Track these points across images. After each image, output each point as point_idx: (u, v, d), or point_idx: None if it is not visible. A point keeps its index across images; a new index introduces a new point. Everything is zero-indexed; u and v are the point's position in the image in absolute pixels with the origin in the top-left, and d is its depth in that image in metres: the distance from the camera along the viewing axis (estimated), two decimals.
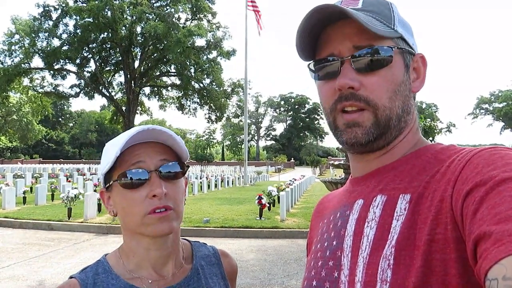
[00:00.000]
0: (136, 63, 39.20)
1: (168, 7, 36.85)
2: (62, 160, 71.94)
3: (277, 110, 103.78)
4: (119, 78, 42.49)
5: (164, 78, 42.84)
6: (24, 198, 14.28)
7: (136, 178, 0.89)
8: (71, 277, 0.94)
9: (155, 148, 0.92)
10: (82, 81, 39.11)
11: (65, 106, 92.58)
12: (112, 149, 0.91)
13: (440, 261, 0.58)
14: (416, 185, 0.68)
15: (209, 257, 1.08)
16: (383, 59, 0.72)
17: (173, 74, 40.80)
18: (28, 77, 36.22)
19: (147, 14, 35.09)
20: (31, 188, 17.49)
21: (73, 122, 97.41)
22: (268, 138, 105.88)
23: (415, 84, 0.78)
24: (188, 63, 37.70)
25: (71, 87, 40.11)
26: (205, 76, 39.06)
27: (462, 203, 0.58)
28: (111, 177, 0.93)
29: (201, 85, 39.96)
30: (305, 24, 0.74)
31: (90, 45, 36.84)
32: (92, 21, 33.72)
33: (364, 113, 0.72)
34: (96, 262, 0.98)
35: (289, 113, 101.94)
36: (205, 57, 38.07)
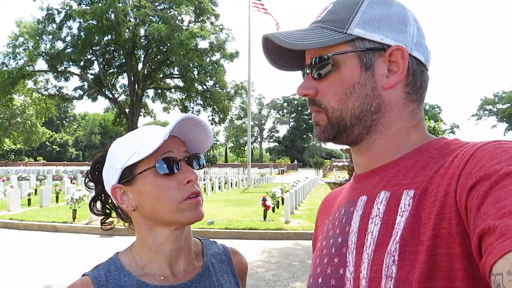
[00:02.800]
0: (140, 65, 39.32)
1: (171, 10, 36.98)
2: (65, 162, 72.17)
3: (280, 112, 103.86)
4: (123, 80, 42.73)
5: (168, 80, 42.94)
6: (29, 200, 14.35)
7: (172, 165, 0.94)
8: (83, 275, 0.96)
9: (178, 141, 0.99)
10: (85, 83, 39.28)
11: (68, 109, 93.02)
12: (139, 140, 0.95)
13: (445, 256, 0.58)
14: (420, 180, 0.68)
15: (219, 255, 1.09)
16: (324, 66, 0.77)
17: (176, 76, 40.88)
18: (32, 79, 36.38)
19: (150, 17, 35.23)
20: (35, 190, 17.56)
21: (77, 125, 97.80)
22: (271, 140, 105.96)
23: (389, 80, 0.75)
24: (192, 65, 37.78)
25: (75, 89, 40.28)
26: (208, 78, 39.12)
27: (466, 198, 0.58)
28: (133, 170, 0.95)
29: (204, 87, 40.02)
30: (264, 51, 0.84)
31: (93, 48, 36.98)
32: (95, 23, 33.85)
33: (320, 114, 0.79)
34: (108, 260, 0.99)
35: (292, 115, 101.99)
36: (208, 59, 38.14)
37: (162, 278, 0.95)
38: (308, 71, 0.81)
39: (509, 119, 75.79)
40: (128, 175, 0.96)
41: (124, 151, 0.95)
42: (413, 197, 0.67)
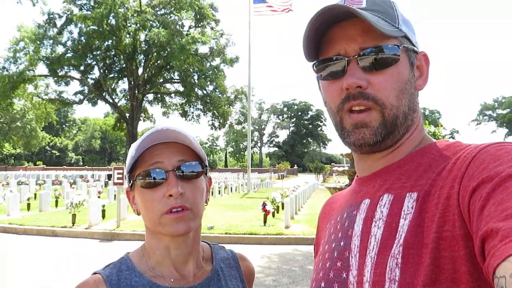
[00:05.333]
0: (140, 70, 39.47)
1: (171, 15, 37.14)
2: (65, 167, 72.09)
3: (280, 117, 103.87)
4: (123, 85, 42.79)
5: (168, 85, 43.09)
6: (28, 204, 14.29)
7: (154, 178, 0.91)
8: (95, 273, 0.95)
9: (174, 148, 0.94)
10: (85, 88, 39.37)
11: (68, 113, 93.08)
12: (133, 149, 0.94)
13: (449, 259, 0.58)
14: (423, 183, 0.68)
15: (228, 259, 1.09)
16: (390, 57, 0.72)
17: (176, 81, 41.02)
18: (33, 84, 36.49)
19: (150, 22, 35.39)
20: (35, 194, 17.52)
21: (77, 129, 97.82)
22: (271, 145, 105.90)
23: (418, 82, 0.78)
24: (192, 70, 37.92)
25: (75, 94, 40.42)
26: (209, 83, 39.26)
27: (469, 200, 0.57)
28: (133, 176, 0.96)
29: (205, 92, 40.14)
30: (313, 23, 0.74)
31: (94, 52, 37.15)
32: (96, 28, 34.02)
33: (372, 113, 0.72)
34: (120, 259, 0.99)
35: (292, 120, 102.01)
36: (208, 64, 38.27)
37: (172, 280, 0.95)
38: (350, 60, 0.73)
39: (509, 124, 75.81)
40: (130, 181, 0.97)
41: (128, 158, 0.96)
42: (416, 199, 0.66)
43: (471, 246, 0.56)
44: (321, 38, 0.76)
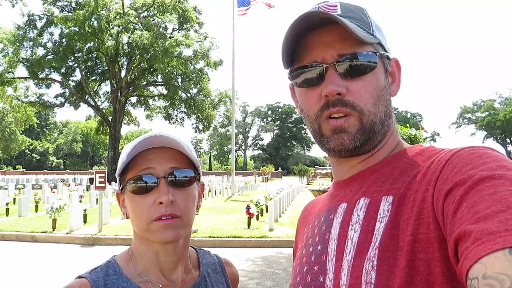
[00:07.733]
0: (123, 73, 39.03)
1: (155, 17, 36.89)
2: (46, 170, 70.68)
3: (264, 120, 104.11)
4: (105, 87, 42.30)
5: (151, 88, 42.74)
6: (7, 209, 13.96)
7: (144, 184, 0.89)
8: (80, 277, 0.92)
9: (168, 154, 0.92)
10: (67, 90, 38.74)
11: (49, 116, 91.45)
12: (125, 153, 0.91)
13: (424, 261, 0.58)
14: (398, 186, 0.69)
15: (214, 265, 1.09)
16: (367, 64, 0.73)
17: (160, 84, 40.72)
18: (12, 86, 35.67)
19: (133, 24, 35.06)
20: (14, 199, 17.13)
21: (58, 132, 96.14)
22: (256, 148, 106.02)
23: (392, 88, 0.80)
24: (175, 73, 37.70)
25: (56, 96, 39.71)
26: (192, 86, 39.09)
27: (442, 203, 0.59)
28: (124, 180, 0.93)
29: (188, 95, 39.96)
30: (293, 30, 0.74)
31: (75, 55, 36.59)
32: (78, 30, 33.53)
33: (350, 118, 0.72)
34: (106, 263, 0.96)
35: (276, 123, 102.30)
36: (192, 67, 38.12)
37: (160, 286, 0.93)
38: (328, 67, 0.73)
39: (488, 127, 77.50)
40: (121, 184, 0.95)
41: (120, 159, 0.94)
42: (391, 203, 0.67)
43: (445, 248, 0.57)
44: (296, 45, 0.77)
